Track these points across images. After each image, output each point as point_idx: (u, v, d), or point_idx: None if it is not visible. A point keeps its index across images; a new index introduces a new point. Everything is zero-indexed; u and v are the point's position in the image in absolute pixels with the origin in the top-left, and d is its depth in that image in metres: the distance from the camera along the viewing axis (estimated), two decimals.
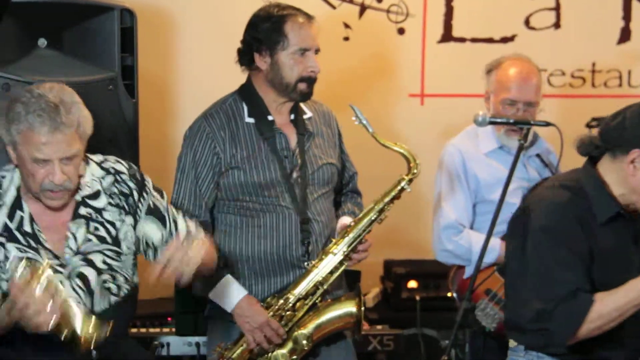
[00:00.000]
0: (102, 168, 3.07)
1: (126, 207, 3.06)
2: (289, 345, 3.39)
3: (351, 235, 3.37)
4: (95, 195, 3.03)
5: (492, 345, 3.71)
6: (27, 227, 2.95)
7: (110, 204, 3.04)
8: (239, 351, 3.37)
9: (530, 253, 3.01)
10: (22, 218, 2.96)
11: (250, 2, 4.22)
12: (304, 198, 3.41)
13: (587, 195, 3.04)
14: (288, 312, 3.37)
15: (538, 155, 3.86)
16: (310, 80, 3.38)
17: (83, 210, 3.00)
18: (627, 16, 5.00)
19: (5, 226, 2.94)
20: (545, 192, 3.10)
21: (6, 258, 2.90)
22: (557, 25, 4.99)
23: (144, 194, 3.09)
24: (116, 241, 3.03)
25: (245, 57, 3.44)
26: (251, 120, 3.43)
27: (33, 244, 2.93)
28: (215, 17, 4.53)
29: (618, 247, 3.02)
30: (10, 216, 2.95)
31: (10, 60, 3.33)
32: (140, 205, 3.09)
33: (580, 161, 3.20)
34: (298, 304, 3.37)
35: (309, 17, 3.41)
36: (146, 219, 3.08)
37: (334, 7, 4.87)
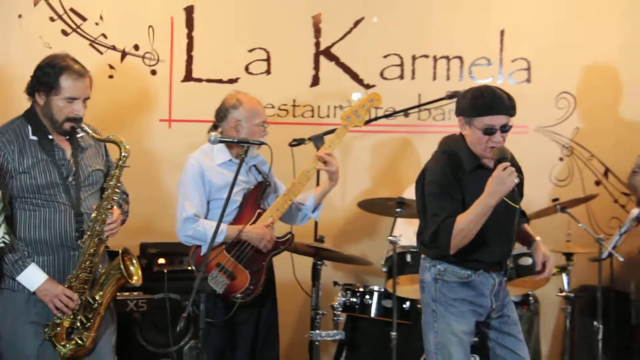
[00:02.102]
0: None
1: None
2: (86, 308, 3.34)
3: (100, 216, 3.32)
4: None
5: (220, 304, 3.81)
6: None
7: None
8: (57, 328, 3.29)
9: (426, 198, 3.41)
10: None
11: (35, 42, 4.39)
12: (78, 197, 3.39)
13: (458, 155, 3.41)
14: (80, 285, 3.33)
15: (255, 166, 3.98)
16: (76, 120, 3.34)
17: None
18: (316, 67, 5.25)
19: None
20: (433, 158, 3.49)
21: None
22: (268, 72, 5.15)
23: None
24: None
25: (30, 89, 3.41)
26: (35, 137, 3.39)
27: None
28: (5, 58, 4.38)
29: (479, 188, 3.35)
30: None
31: None
32: None
33: None
34: (82, 276, 3.33)
35: (83, 72, 3.36)
36: None
37: (101, 53, 4.84)
